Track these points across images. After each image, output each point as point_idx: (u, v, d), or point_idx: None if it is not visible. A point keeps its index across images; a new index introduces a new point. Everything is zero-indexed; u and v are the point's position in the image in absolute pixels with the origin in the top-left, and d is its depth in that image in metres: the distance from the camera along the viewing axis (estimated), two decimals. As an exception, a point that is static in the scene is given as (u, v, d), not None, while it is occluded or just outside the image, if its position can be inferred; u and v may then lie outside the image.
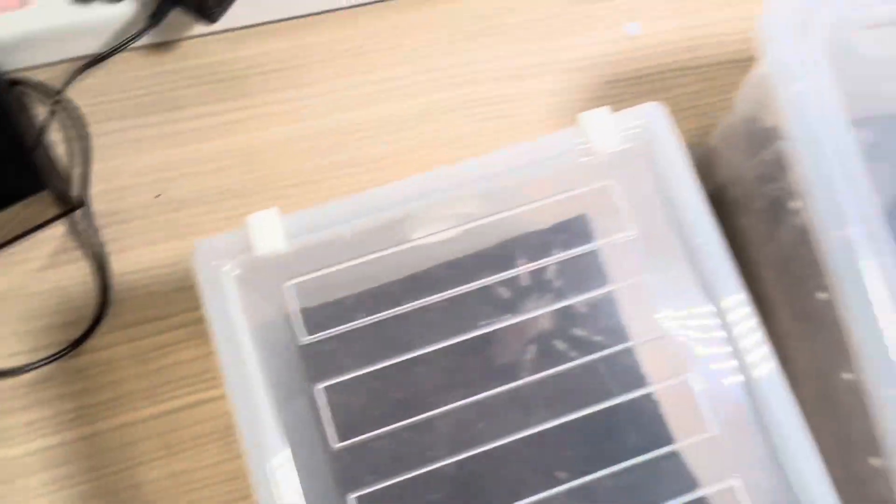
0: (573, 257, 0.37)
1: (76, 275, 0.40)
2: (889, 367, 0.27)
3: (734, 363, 0.28)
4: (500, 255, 0.37)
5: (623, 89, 0.44)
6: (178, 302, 0.40)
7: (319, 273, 0.28)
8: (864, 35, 0.35)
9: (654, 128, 0.29)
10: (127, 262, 0.40)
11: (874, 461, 0.30)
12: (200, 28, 0.42)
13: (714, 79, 0.45)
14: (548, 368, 0.35)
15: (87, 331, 0.39)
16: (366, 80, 0.43)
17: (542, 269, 0.36)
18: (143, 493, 0.38)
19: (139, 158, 0.41)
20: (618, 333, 0.34)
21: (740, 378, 0.27)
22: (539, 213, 0.38)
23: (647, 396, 0.34)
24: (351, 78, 0.43)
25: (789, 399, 0.28)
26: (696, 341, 0.29)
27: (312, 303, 0.36)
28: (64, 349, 0.38)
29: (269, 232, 0.27)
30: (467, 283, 0.37)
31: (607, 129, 0.29)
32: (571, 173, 0.30)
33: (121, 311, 0.39)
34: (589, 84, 0.45)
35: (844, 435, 0.33)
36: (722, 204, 0.42)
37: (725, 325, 0.28)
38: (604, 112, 0.29)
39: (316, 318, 0.33)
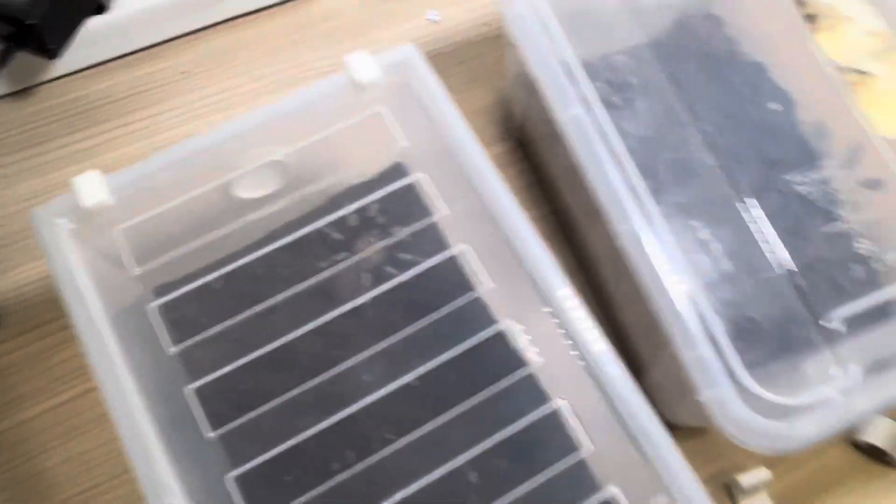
0: (395, 195, 0.43)
1: (-35, 299, 0.44)
2: (618, 203, 0.33)
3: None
4: (331, 208, 0.43)
5: (431, 65, 0.51)
6: (61, 306, 0.44)
7: (149, 214, 0.33)
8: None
9: (409, 63, 0.36)
10: (12, 281, 0.45)
11: (649, 306, 0.36)
12: (54, 71, 0.48)
13: (507, 45, 0.52)
14: (383, 293, 0.41)
15: (-21, 345, 0.43)
16: (204, 95, 0.49)
17: (367, 210, 0.42)
18: (45, 478, 0.41)
19: (11, 190, 0.46)
20: (439, 247, 0.40)
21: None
22: (363, 168, 0.44)
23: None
24: (191, 95, 0.49)
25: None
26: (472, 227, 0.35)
27: (167, 278, 0.41)
28: (-42, 364, 0.42)
29: (95, 188, 0.32)
30: (310, 234, 0.42)
31: (369, 67, 0.35)
32: (349, 109, 0.36)
33: (10, 323, 0.44)
34: (404, 67, 0.52)
35: (631, 290, 0.39)
36: (526, 142, 0.49)
37: (493, 214, 0.34)
38: (364, 53, 0.35)
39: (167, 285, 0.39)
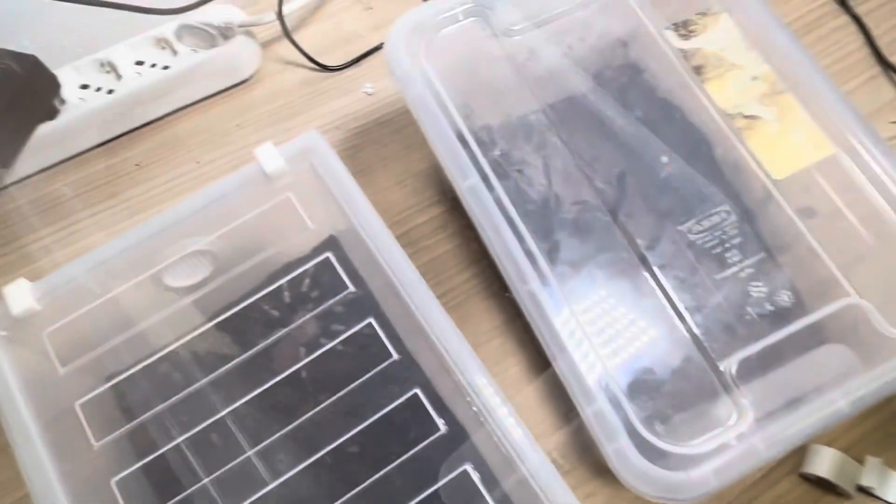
0: (324, 270, 0.44)
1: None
2: (515, 265, 0.35)
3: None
4: (269, 285, 0.44)
5: (370, 134, 0.54)
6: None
7: (79, 314, 0.35)
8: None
9: (314, 149, 0.38)
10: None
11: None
12: (7, 178, 0.51)
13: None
14: (319, 363, 0.42)
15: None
16: (157, 183, 0.52)
17: (299, 285, 0.44)
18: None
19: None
20: (362, 318, 0.42)
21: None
22: (297, 245, 0.46)
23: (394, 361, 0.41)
24: (145, 185, 0.52)
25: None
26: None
27: (116, 368, 0.43)
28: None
29: (22, 296, 0.35)
30: (247, 313, 0.44)
31: (274, 158, 0.37)
32: (262, 196, 0.38)
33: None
34: (345, 137, 0.54)
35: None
36: (459, 205, 0.51)
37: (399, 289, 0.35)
38: (269, 145, 0.38)
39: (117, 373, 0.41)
